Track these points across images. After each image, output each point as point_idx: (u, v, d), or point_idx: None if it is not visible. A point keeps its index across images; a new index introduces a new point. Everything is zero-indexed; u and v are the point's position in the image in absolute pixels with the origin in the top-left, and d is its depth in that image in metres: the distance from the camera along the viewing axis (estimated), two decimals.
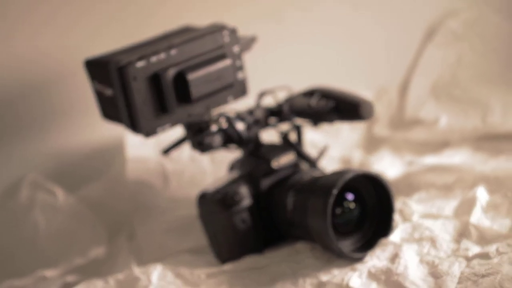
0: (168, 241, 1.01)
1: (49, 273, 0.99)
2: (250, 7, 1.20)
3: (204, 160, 1.14)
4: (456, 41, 1.27)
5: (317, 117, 0.94)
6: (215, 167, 1.13)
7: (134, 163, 1.10)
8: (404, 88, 1.28)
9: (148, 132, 0.87)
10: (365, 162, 1.11)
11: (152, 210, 1.08)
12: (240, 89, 0.94)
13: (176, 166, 1.13)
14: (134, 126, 0.87)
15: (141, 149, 1.10)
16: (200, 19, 1.03)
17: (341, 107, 0.92)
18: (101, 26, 1.12)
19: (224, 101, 0.93)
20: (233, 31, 0.91)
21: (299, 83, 1.00)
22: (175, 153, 1.12)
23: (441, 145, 1.11)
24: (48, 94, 1.12)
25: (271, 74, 1.19)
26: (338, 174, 0.83)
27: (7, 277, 1.01)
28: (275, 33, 1.22)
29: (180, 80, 0.86)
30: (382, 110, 1.23)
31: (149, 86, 0.85)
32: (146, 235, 1.04)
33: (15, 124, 1.11)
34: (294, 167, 0.93)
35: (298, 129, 0.99)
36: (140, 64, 0.84)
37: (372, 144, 1.20)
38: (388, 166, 1.07)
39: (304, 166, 0.96)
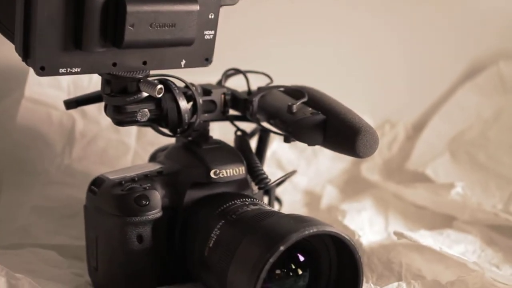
0: (38, 224, 0.84)
1: None
2: None
3: (130, 133, 0.94)
4: (501, 91, 1.15)
5: (293, 130, 0.71)
6: (140, 147, 0.95)
7: (33, 104, 0.89)
8: (416, 129, 1.16)
9: (44, 68, 0.64)
10: (336, 208, 0.93)
11: (35, 174, 0.89)
12: (201, 55, 0.72)
13: (91, 127, 0.92)
14: (27, 52, 0.64)
15: (48, 90, 0.89)
16: None
17: (332, 127, 0.70)
18: None
19: (173, 64, 0.70)
20: None
21: (281, 80, 0.81)
22: (94, 110, 0.91)
23: (442, 220, 0.93)
24: None
25: (250, 53, 1.02)
26: (295, 222, 0.63)
27: None
28: (277, 4, 1.04)
29: (115, 8, 0.64)
30: (380, 147, 1.00)
31: (66, 1, 0.62)
32: (11, 205, 0.85)
33: None
34: (239, 187, 0.74)
35: (263, 135, 0.82)
36: None
37: (353, 186, 1.04)
38: (365, 225, 0.89)
39: (254, 189, 0.76)
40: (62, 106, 0.87)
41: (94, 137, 0.92)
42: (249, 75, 0.79)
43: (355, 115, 0.70)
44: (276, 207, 0.82)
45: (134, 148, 0.93)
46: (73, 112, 0.90)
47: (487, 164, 1.06)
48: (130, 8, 0.63)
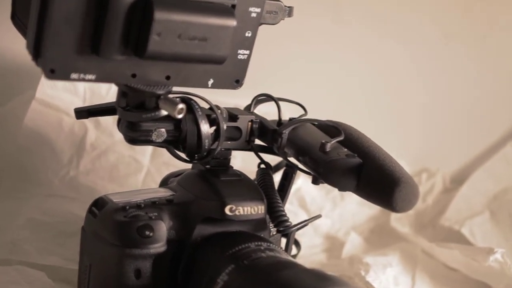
0: (29, 240, 0.77)
1: None
2: None
3: (145, 150, 0.89)
4: None
5: (324, 171, 0.65)
6: (155, 167, 0.90)
7: (43, 107, 0.84)
8: (455, 182, 1.11)
9: (54, 70, 0.57)
10: (359, 260, 0.87)
11: (36, 184, 0.85)
12: (232, 75, 0.66)
13: (103, 139, 0.88)
14: (38, 51, 0.58)
15: (62, 93, 0.84)
16: None
17: (369, 174, 0.63)
18: None
19: (200, 83, 0.65)
20: None
21: (314, 113, 0.76)
22: (109, 121, 0.86)
23: (477, 287, 0.87)
24: None
25: (284, 81, 0.98)
26: (315, 280, 0.56)
27: None
28: (323, 31, 1.01)
29: (142, 14, 0.58)
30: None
31: (87, 3, 0.57)
32: (4, 216, 0.80)
33: None
34: (255, 228, 0.67)
35: (289, 172, 0.75)
36: None
37: (380, 236, 0.99)
38: (389, 283, 0.83)
39: (272, 230, 0.70)
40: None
41: (106, 150, 0.87)
42: (281, 103, 0.73)
43: (395, 163, 0.63)
44: (293, 251, 0.76)
45: (147, 167, 0.89)
46: (87, 121, 0.85)
47: None
48: (159, 14, 0.57)
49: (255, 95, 0.75)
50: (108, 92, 0.84)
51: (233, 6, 0.62)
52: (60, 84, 0.83)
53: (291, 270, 0.58)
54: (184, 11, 0.58)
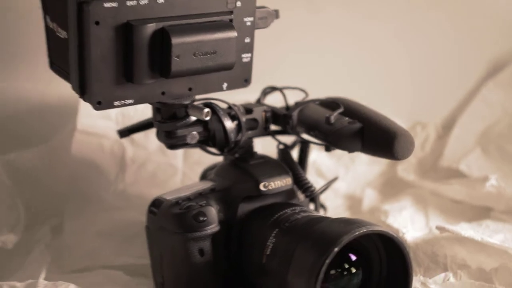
0: (102, 248, 0.85)
1: None
2: None
3: (177, 155, 0.96)
4: None
5: (333, 139, 0.73)
6: (188, 168, 0.97)
7: (85, 136, 0.91)
8: (446, 128, 1.14)
9: (100, 102, 0.67)
10: (379, 209, 0.93)
11: (93, 202, 0.91)
12: (241, 76, 0.74)
13: (139, 153, 0.95)
14: (83, 89, 0.66)
15: (98, 121, 0.92)
16: None
17: (370, 134, 0.72)
18: None
19: (216, 87, 0.73)
20: None
21: (316, 93, 0.82)
22: (141, 137, 0.94)
23: (480, 212, 0.93)
24: None
25: (285, 71, 1.03)
26: (345, 225, 0.65)
27: None
28: (305, 21, 1.06)
29: (161, 42, 0.66)
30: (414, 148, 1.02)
31: (116, 38, 0.65)
32: (75, 233, 0.87)
33: None
34: (287, 196, 0.76)
35: (304, 147, 0.83)
36: (110, 4, 0.63)
37: (391, 187, 1.04)
38: (407, 223, 0.88)
39: (301, 197, 0.78)
40: (112, 136, 0.91)
41: (144, 162, 0.94)
42: (285, 91, 0.81)
43: (390, 121, 0.72)
44: (321, 212, 0.83)
45: (182, 169, 0.95)
46: (123, 140, 0.92)
47: None
48: (175, 40, 0.65)
49: (261, 89, 0.82)
50: (135, 113, 0.91)
51: (231, 20, 0.70)
52: (95, 113, 0.88)
53: (323, 223, 0.66)
54: (194, 33, 0.66)
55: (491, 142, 1.08)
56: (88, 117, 0.91)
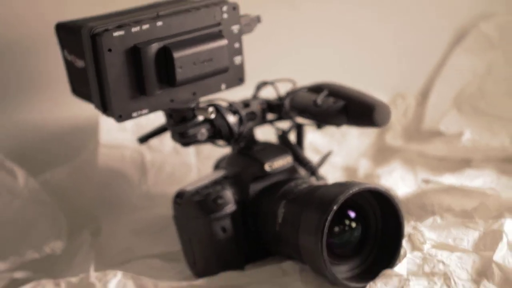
0: (137, 243, 0.94)
1: None
2: None
3: (189, 152, 1.05)
4: (488, 48, 1.20)
5: (322, 118, 0.84)
6: (200, 163, 1.05)
7: (108, 150, 1.01)
8: (423, 96, 1.22)
9: (121, 115, 0.77)
10: (372, 174, 1.02)
11: (123, 206, 1.00)
12: (236, 76, 0.84)
13: (156, 157, 1.04)
14: (105, 107, 0.77)
15: (117, 134, 1.02)
16: None
17: (352, 109, 0.82)
18: None
19: (216, 89, 0.83)
20: (234, 7, 0.81)
21: (304, 80, 0.91)
22: (155, 142, 1.03)
23: (461, 163, 1.02)
24: (14, 61, 1.02)
25: (273, 65, 1.12)
26: (340, 187, 0.75)
27: None
28: (285, 19, 1.14)
29: (165, 58, 0.76)
30: (397, 117, 1.15)
31: (126, 61, 0.75)
32: (112, 234, 0.96)
33: None
34: (290, 173, 0.85)
35: (299, 129, 0.91)
36: (118, 33, 0.74)
37: (382, 154, 1.11)
38: (398, 182, 0.98)
39: (302, 172, 0.87)
40: (131, 145, 1.00)
41: (161, 164, 1.02)
42: (276, 84, 0.89)
43: (368, 96, 0.82)
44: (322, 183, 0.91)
45: (196, 165, 1.03)
46: (140, 148, 1.01)
47: (488, 111, 1.11)
48: (176, 54, 0.75)
49: (254, 85, 0.91)
50: (147, 121, 0.98)
51: (220, 31, 0.80)
52: (113, 127, 0.99)
53: (322, 188, 0.76)
54: (191, 46, 0.76)
55: (464, 102, 1.15)
56: (108, 132, 1.00)
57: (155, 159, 1.03)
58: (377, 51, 1.21)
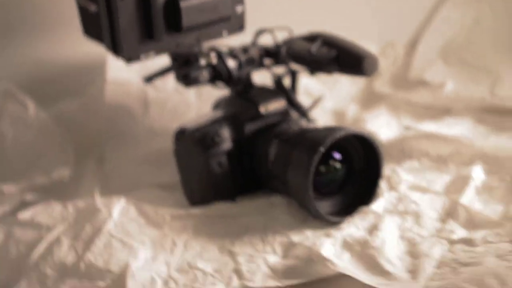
0: (139, 172, 1.00)
1: (8, 188, 0.96)
2: None
3: (190, 93, 1.10)
4: (476, 0, 1.23)
5: (315, 65, 0.90)
6: (200, 102, 1.10)
7: (114, 86, 1.07)
8: (412, 46, 1.26)
9: (130, 57, 0.83)
10: (360, 119, 1.08)
11: (127, 138, 1.06)
12: (236, 24, 0.89)
13: (159, 95, 1.09)
14: (116, 48, 0.83)
15: (123, 72, 1.07)
16: None
17: (343, 58, 0.88)
18: None
19: (218, 35, 0.89)
20: None
21: (299, 29, 0.95)
22: (159, 82, 1.09)
23: (442, 112, 1.07)
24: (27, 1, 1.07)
25: (270, 14, 1.14)
26: (328, 131, 0.81)
27: None
28: None
29: (172, 6, 0.82)
30: (386, 65, 1.19)
31: (137, 7, 0.81)
32: (116, 163, 1.03)
33: None
34: (283, 115, 0.91)
35: (293, 75, 0.96)
36: None
37: (370, 100, 1.16)
38: (382, 126, 1.04)
39: (294, 115, 0.93)
40: (137, 83, 1.06)
41: (164, 101, 1.08)
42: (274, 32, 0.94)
43: (359, 47, 0.87)
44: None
45: (196, 105, 1.09)
46: (145, 86, 1.07)
47: (474, 62, 1.16)
48: (183, 4, 0.82)
49: (252, 32, 0.94)
50: (152, 65, 1.00)
51: None
52: (120, 66, 1.03)
53: (313, 131, 0.82)
54: None
55: (451, 53, 1.19)
56: (115, 70, 1.06)
57: (158, 97, 1.09)
58: (369, 1, 1.25)
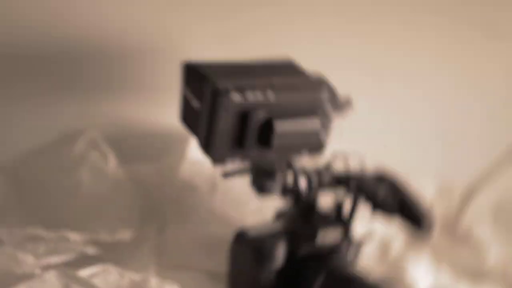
0: (193, 252, 1.05)
1: (73, 236, 1.01)
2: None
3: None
4: None
5: (379, 208, 0.95)
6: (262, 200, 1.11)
7: (190, 163, 1.13)
8: (469, 193, 1.25)
9: (217, 160, 0.90)
10: (401, 259, 1.11)
11: (190, 215, 1.10)
12: (317, 148, 0.95)
13: (227, 181, 1.11)
14: (207, 149, 0.89)
15: (201, 155, 1.11)
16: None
17: (404, 210, 0.94)
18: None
19: (299, 154, 0.94)
20: (331, 89, 0.93)
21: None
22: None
23: (480, 274, 1.11)
24: (132, 63, 1.15)
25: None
26: None
27: (33, 223, 1.03)
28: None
29: (266, 124, 0.88)
30: (439, 210, 1.20)
31: (236, 120, 0.87)
32: (174, 237, 1.07)
33: (94, 80, 1.15)
34: (335, 247, 0.96)
35: (355, 205, 1.00)
36: (236, 98, 0.86)
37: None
38: (422, 275, 1.07)
39: (344, 247, 0.97)
40: (209, 166, 1.11)
41: (230, 188, 1.12)
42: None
43: (419, 203, 0.93)
44: None
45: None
46: (215, 170, 1.06)
47: None
48: (277, 127, 0.88)
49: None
50: None
51: (317, 110, 0.92)
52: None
53: (360, 284, 0.89)
54: (290, 120, 0.89)
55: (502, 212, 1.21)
56: (195, 151, 1.10)
57: (226, 183, 1.13)
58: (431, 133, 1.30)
